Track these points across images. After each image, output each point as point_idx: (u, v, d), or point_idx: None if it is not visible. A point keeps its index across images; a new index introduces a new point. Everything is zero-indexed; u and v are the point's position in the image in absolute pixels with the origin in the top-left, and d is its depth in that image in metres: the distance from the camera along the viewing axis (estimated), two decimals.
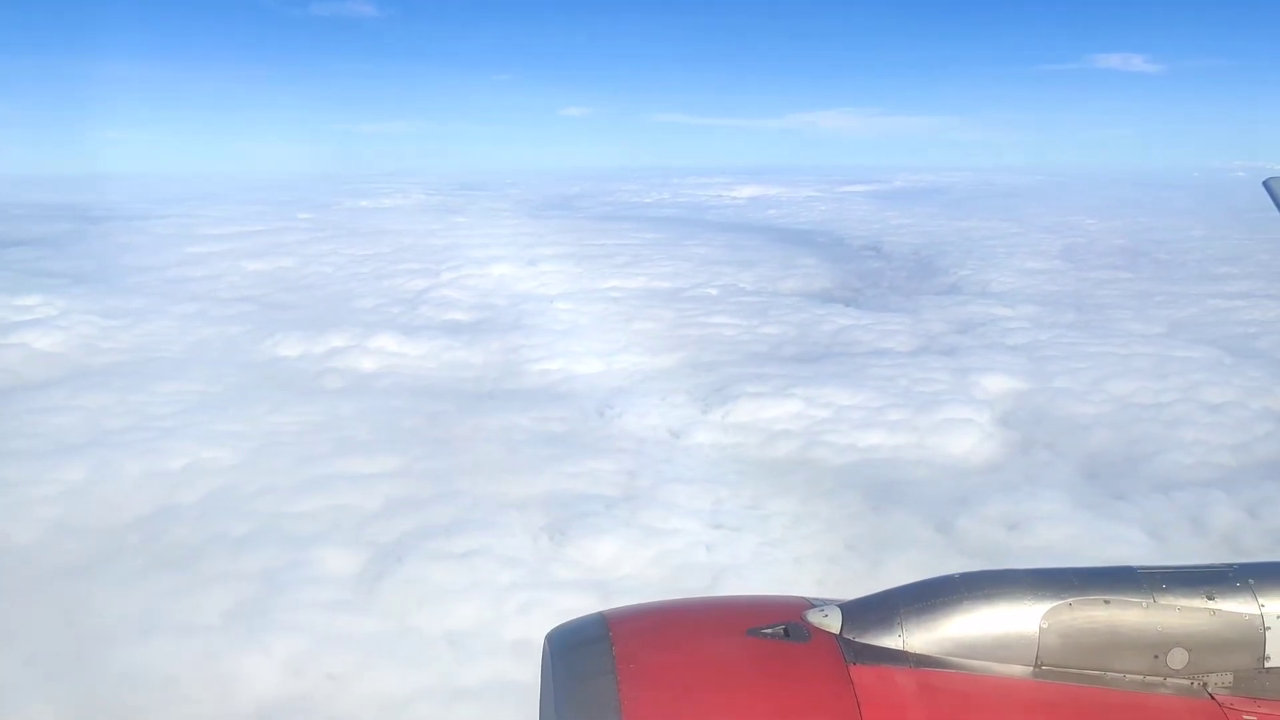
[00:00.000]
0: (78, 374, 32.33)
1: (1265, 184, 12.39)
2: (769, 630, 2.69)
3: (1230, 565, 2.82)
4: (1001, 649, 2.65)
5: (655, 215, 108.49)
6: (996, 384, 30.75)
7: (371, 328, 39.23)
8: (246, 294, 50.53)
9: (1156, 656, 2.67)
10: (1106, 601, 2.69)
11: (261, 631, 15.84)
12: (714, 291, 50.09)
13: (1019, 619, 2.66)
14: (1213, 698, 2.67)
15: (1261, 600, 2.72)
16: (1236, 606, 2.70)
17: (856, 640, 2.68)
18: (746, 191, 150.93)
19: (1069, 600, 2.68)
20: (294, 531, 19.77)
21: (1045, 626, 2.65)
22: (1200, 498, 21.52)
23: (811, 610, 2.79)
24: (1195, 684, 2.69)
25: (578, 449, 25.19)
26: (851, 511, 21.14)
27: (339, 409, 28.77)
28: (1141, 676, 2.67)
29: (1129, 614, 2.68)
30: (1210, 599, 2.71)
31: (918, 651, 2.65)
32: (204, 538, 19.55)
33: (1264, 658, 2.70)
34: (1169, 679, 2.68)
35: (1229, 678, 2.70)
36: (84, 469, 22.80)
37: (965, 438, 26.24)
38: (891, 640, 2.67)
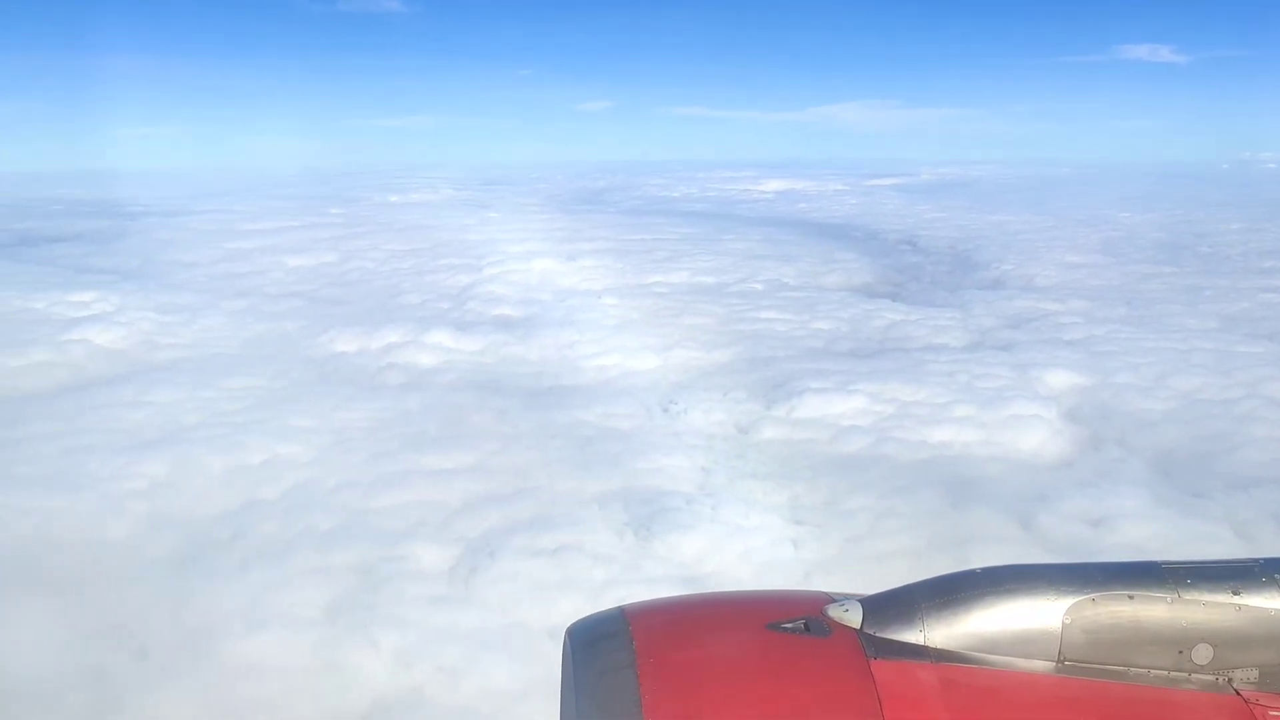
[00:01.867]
0: (143, 370, 32.72)
1: None
2: (789, 625, 2.68)
3: (1256, 560, 2.77)
4: (1024, 644, 2.62)
5: (686, 210, 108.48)
6: (1059, 380, 30.66)
7: (424, 323, 39.47)
8: (293, 290, 50.89)
9: (1181, 652, 2.63)
10: (1130, 597, 2.65)
11: (366, 625, 16.06)
12: (759, 286, 50.05)
13: (1042, 614, 2.63)
14: (1238, 694, 2.63)
15: None
16: (1263, 602, 2.65)
17: (877, 635, 2.66)
18: (773, 185, 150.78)
19: (1092, 595, 2.65)
20: (381, 527, 20.00)
21: (1068, 622, 2.62)
22: None
23: (832, 605, 2.77)
24: (1220, 680, 2.65)
25: (647, 445, 25.28)
26: (931, 508, 21.12)
27: (404, 404, 29.03)
28: (1166, 672, 2.64)
29: (1153, 609, 2.64)
30: (1236, 594, 2.66)
31: (939, 647, 2.63)
32: (294, 532, 19.79)
33: None
34: (1193, 675, 2.64)
35: (1254, 674, 2.65)
36: (166, 464, 23.11)
37: (1034, 434, 26.17)
38: (913, 635, 2.65)
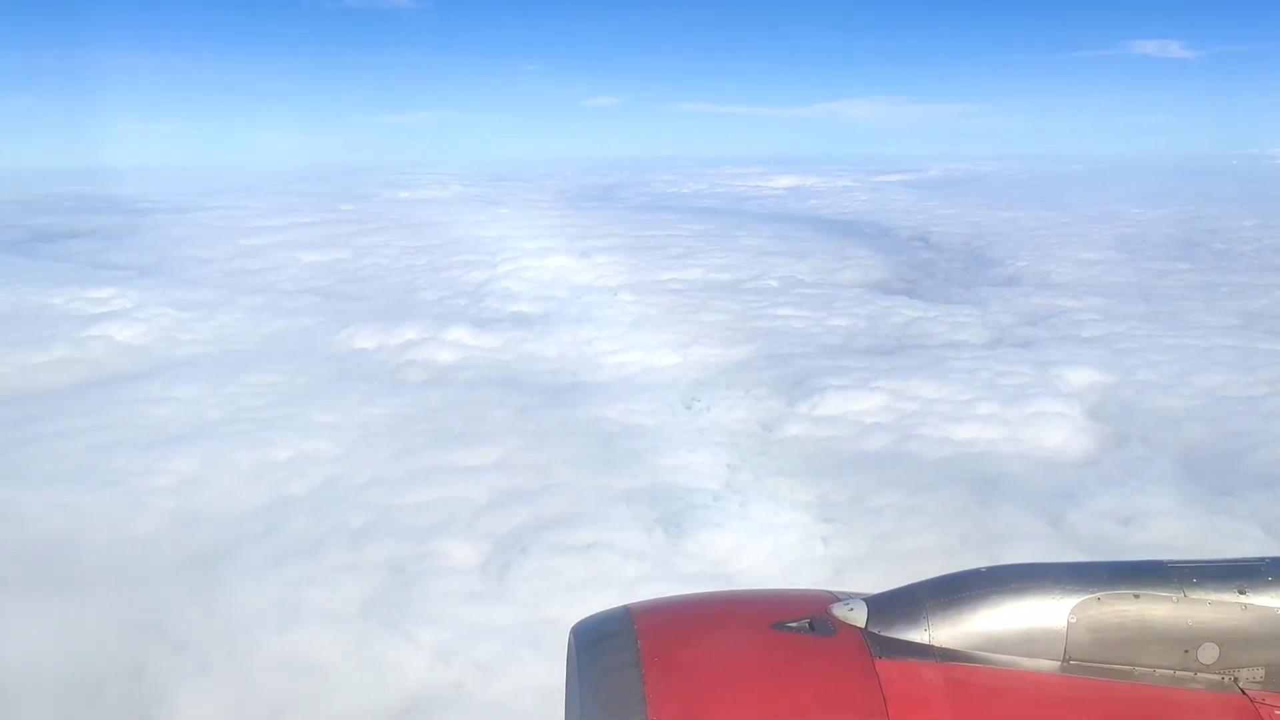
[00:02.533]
0: (164, 366, 32.83)
1: None
2: (794, 624, 2.68)
3: (1262, 559, 2.76)
4: (1029, 644, 2.62)
5: (696, 206, 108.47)
6: (1080, 377, 30.60)
7: (442, 320, 39.51)
8: (308, 286, 50.99)
9: (1187, 651, 2.62)
10: (1136, 596, 2.64)
11: (402, 621, 16.13)
12: (774, 283, 50.01)
13: (1047, 613, 2.63)
14: (1244, 693, 2.62)
15: None
16: (1268, 601, 2.64)
17: (882, 634, 2.66)
18: (783, 182, 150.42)
19: (1098, 594, 2.64)
20: (410, 523, 20.05)
21: (1073, 621, 2.62)
22: None
23: (836, 604, 2.77)
24: (1226, 679, 2.64)
25: (671, 442, 25.27)
26: (959, 505, 21.12)
27: (427, 400, 29.10)
28: (1171, 672, 2.63)
29: (1159, 609, 2.63)
30: (1242, 593, 2.64)
31: (944, 646, 2.63)
32: (324, 529, 19.86)
33: None
34: (1199, 674, 2.63)
35: (1260, 673, 2.64)
36: (194, 460, 23.21)
37: (1058, 431, 26.15)
38: (917, 634, 2.65)
